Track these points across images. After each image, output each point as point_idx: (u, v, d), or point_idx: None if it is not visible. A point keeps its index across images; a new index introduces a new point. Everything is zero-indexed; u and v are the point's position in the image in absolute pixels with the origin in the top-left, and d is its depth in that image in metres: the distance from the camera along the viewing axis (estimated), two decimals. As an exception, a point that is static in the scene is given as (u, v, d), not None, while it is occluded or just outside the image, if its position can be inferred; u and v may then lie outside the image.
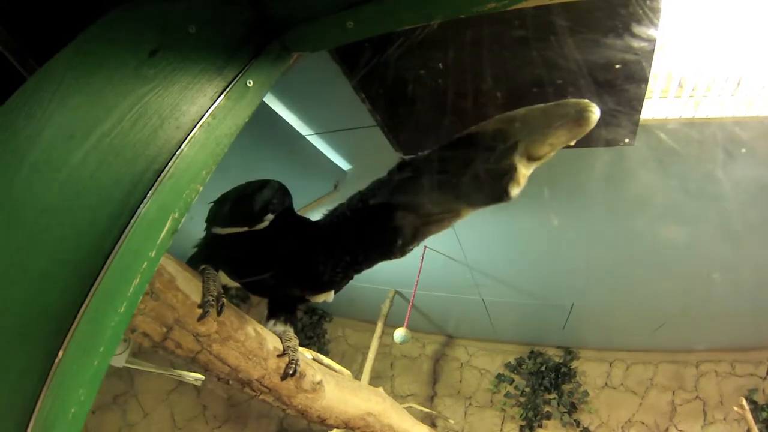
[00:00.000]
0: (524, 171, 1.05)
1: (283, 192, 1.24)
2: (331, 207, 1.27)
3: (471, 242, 4.52)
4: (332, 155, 3.49)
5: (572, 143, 1.01)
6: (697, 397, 5.53)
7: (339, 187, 3.67)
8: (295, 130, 3.17)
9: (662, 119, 2.79)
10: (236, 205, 1.23)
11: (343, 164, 3.56)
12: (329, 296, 1.38)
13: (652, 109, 2.76)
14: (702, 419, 5.40)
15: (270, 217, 1.17)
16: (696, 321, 4.94)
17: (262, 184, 1.26)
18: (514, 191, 1.06)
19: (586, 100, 0.98)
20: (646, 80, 1.92)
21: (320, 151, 3.41)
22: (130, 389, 5.47)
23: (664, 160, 2.93)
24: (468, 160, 1.08)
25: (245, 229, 1.18)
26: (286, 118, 3.05)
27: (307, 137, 3.29)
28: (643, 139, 2.71)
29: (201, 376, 3.53)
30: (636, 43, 1.77)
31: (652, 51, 1.82)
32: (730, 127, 2.69)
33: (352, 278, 1.27)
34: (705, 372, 5.59)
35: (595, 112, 0.97)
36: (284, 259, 1.23)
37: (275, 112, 2.99)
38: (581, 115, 0.97)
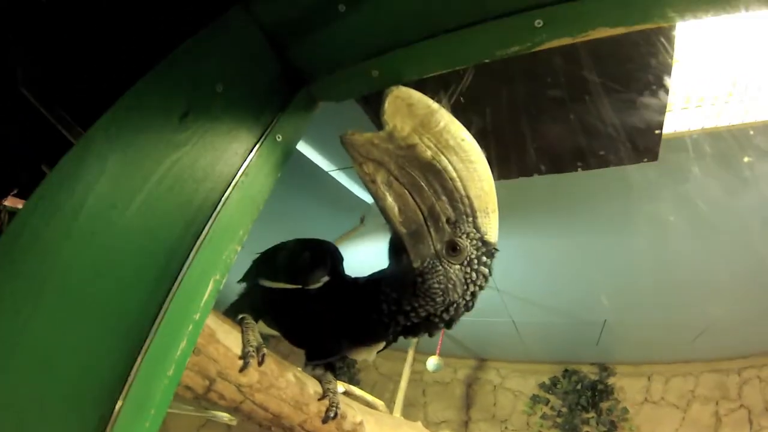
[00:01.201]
0: None
1: (337, 254, 1.26)
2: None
3: (498, 264, 4.48)
4: (356, 189, 3.50)
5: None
6: (741, 405, 5.33)
7: (365, 220, 3.67)
8: (318, 166, 3.20)
9: (685, 131, 2.77)
10: (293, 263, 1.24)
11: (368, 198, 3.55)
12: (371, 355, 1.36)
13: (674, 123, 2.75)
14: (748, 428, 5.19)
15: (325, 278, 1.18)
16: (735, 327, 4.80)
17: (320, 244, 1.29)
18: None
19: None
20: (664, 104, 1.91)
21: (344, 186, 3.43)
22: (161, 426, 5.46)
23: (691, 171, 2.90)
24: None
25: (298, 286, 1.19)
26: (308, 155, 3.09)
27: (330, 173, 3.32)
28: (667, 153, 2.69)
29: (234, 418, 3.52)
30: (652, 69, 1.77)
31: (670, 70, 1.82)
32: (756, 132, 2.66)
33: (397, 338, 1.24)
34: (748, 379, 5.39)
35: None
36: (331, 319, 1.23)
37: (297, 150, 3.02)
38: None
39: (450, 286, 1.08)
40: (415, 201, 1.04)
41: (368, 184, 1.02)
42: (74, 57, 1.25)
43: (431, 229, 1.05)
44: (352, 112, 2.56)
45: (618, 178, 2.92)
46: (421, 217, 1.04)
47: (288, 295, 1.22)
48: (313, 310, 1.24)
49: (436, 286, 1.07)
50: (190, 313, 0.78)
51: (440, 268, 1.07)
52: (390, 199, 1.02)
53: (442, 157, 1.01)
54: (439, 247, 1.06)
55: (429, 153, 1.00)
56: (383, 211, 1.04)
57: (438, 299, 1.08)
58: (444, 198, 1.04)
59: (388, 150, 1.00)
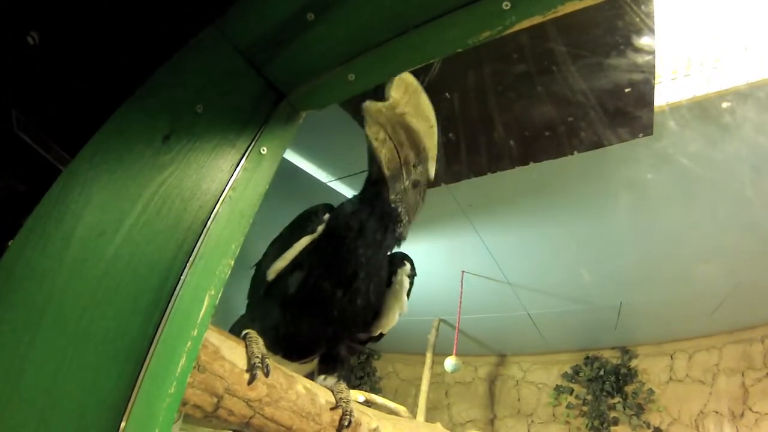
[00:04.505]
0: None
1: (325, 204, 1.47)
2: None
3: (507, 259, 4.47)
4: (356, 198, 3.50)
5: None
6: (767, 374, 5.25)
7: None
8: (316, 178, 3.21)
9: (678, 101, 2.75)
10: (293, 227, 1.42)
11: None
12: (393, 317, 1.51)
13: (664, 94, 2.72)
14: (776, 396, 5.11)
15: (326, 217, 1.39)
16: (753, 295, 4.72)
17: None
18: None
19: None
20: (653, 73, 1.90)
21: (344, 196, 3.43)
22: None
23: (690, 142, 2.88)
24: None
25: (311, 239, 1.37)
26: (305, 168, 3.10)
27: (328, 184, 3.33)
28: (664, 126, 2.67)
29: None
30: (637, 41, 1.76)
31: (654, 39, 1.81)
32: (750, 93, 2.63)
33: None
34: (772, 345, 5.31)
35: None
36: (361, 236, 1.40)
37: (294, 164, 3.04)
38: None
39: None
40: (397, 153, 1.43)
41: (372, 142, 1.38)
42: (65, 94, 1.26)
43: (404, 172, 1.44)
44: (345, 124, 2.58)
45: (612, 157, 2.91)
46: (399, 164, 1.43)
47: (303, 261, 1.36)
48: (335, 247, 1.38)
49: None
50: (187, 330, 0.78)
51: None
52: (384, 152, 1.40)
53: (414, 120, 1.40)
54: (407, 184, 1.44)
55: (409, 117, 1.38)
56: (377, 161, 1.41)
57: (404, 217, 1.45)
58: (413, 150, 1.44)
59: (387, 116, 1.36)
